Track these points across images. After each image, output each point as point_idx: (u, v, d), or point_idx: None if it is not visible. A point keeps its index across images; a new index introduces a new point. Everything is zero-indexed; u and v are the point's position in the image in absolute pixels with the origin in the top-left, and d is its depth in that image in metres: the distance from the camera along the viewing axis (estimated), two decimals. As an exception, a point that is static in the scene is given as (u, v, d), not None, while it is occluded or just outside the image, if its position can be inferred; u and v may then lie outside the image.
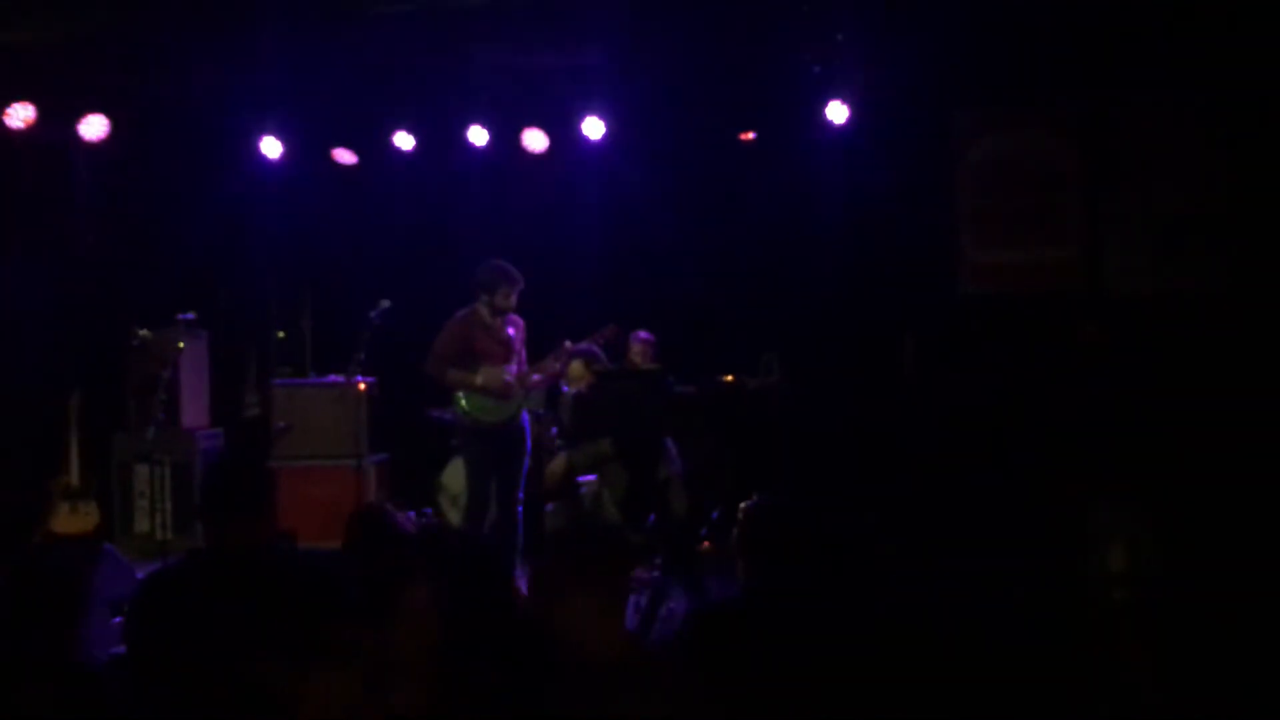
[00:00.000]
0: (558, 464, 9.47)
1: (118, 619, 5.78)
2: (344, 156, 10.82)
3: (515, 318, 8.93)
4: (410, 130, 10.45)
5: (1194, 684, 4.87)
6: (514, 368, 8.86)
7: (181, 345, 10.16)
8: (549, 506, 9.34)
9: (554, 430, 9.60)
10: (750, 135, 10.18)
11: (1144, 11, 8.15)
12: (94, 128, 10.00)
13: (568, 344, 9.09)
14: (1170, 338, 8.56)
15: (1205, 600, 5.83)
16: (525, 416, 9.02)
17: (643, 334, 9.69)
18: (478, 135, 10.29)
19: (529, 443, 9.01)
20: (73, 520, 9.13)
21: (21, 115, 9.67)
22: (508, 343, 8.86)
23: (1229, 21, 8.09)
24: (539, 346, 9.08)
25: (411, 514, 8.01)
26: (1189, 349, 8.35)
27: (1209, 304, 8.71)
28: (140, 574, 6.72)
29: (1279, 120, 8.40)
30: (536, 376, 9.02)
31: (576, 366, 9.32)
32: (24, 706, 3.12)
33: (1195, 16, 8.14)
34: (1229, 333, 8.38)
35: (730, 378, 8.63)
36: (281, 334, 11.16)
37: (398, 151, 10.54)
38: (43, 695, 3.18)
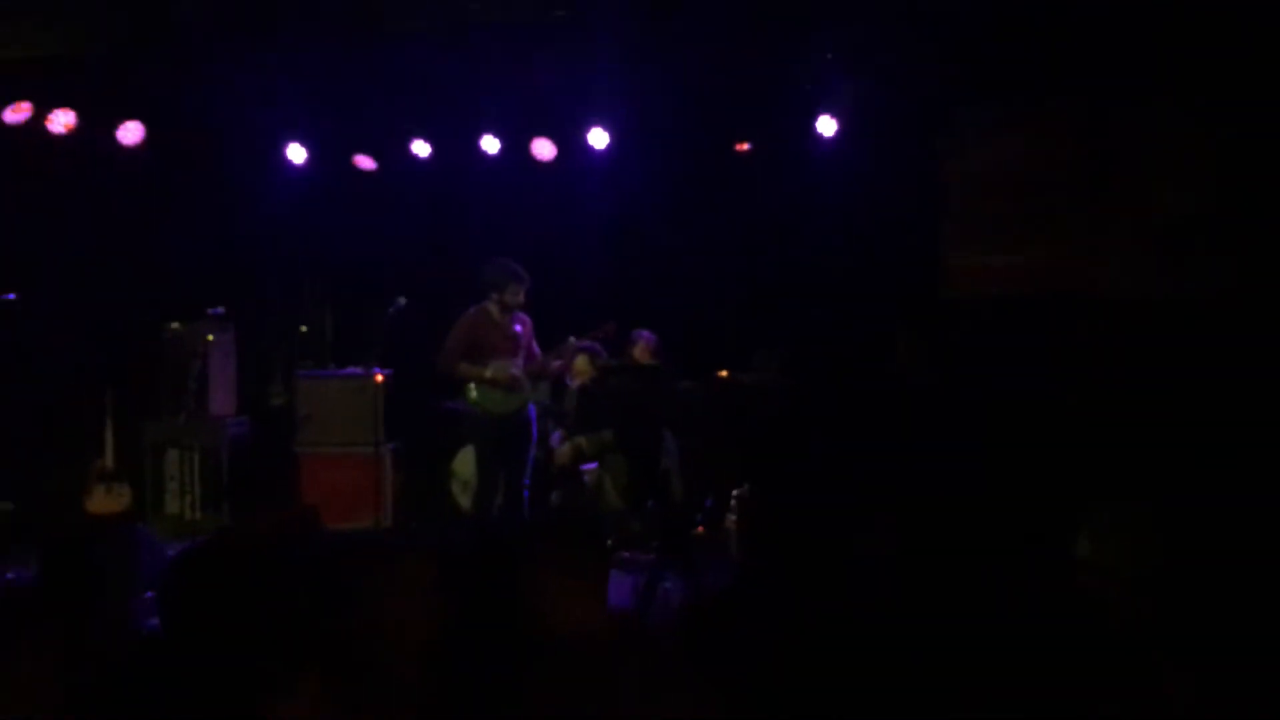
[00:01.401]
0: (566, 449, 9.46)
1: (149, 594, 5.77)
2: (364, 163, 10.81)
3: (522, 315, 8.94)
4: (426, 139, 10.44)
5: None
6: (521, 361, 8.88)
7: (211, 338, 10.19)
8: (554, 493, 9.32)
9: (555, 436, 9.55)
10: (746, 146, 10.17)
11: (1139, 13, 7.99)
12: (131, 134, 10.00)
13: (572, 340, 9.11)
14: (1165, 337, 8.38)
15: (1207, 601, 5.76)
16: (531, 408, 9.03)
17: (646, 334, 9.65)
18: (489, 144, 10.28)
19: (535, 432, 9.03)
20: (107, 501, 9.14)
21: (62, 121, 9.66)
22: (515, 338, 8.87)
23: (1224, 24, 7.86)
24: (545, 342, 9.09)
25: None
26: (1185, 348, 8.17)
27: (1207, 305, 8.44)
28: (170, 552, 6.71)
29: (1275, 122, 8.16)
30: (547, 368, 9.06)
31: (581, 362, 9.31)
32: (86, 671, 3.12)
33: (1191, 19, 7.93)
34: (1227, 332, 8.14)
35: (726, 373, 8.60)
36: (304, 328, 11.14)
37: (415, 158, 10.53)
38: (103, 660, 3.18)
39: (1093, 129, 8.99)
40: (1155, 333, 8.43)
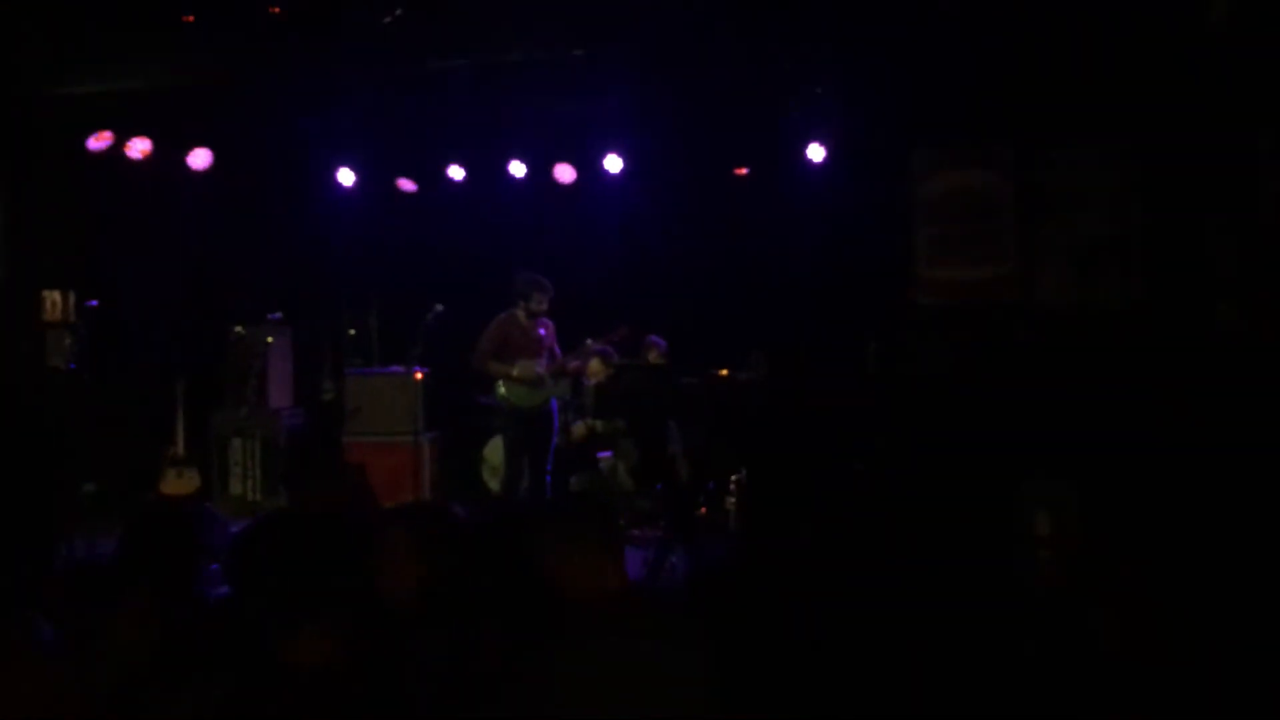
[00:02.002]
0: (580, 428, 9.48)
1: (214, 565, 5.78)
2: (406, 185, 10.82)
3: (546, 320, 8.97)
4: (461, 163, 10.45)
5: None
6: (545, 361, 8.90)
7: (270, 339, 10.22)
8: (573, 478, 9.33)
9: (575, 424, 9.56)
10: (743, 170, 10.18)
11: (1069, 71, 8.16)
12: (200, 159, 10.02)
13: (589, 342, 9.13)
14: (1088, 340, 8.60)
15: (1118, 557, 5.80)
16: (554, 403, 9.06)
17: (658, 340, 9.68)
18: (517, 168, 10.29)
19: (556, 424, 9.05)
20: (178, 483, 9.17)
21: (140, 148, 9.69)
22: (540, 340, 8.90)
23: (1138, 80, 8.11)
24: (567, 341, 9.12)
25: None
26: (1104, 349, 8.38)
27: (1121, 313, 8.74)
28: (234, 529, 6.72)
29: (1179, 160, 8.41)
30: (575, 363, 9.11)
31: (595, 364, 9.32)
32: (157, 634, 3.14)
33: (1111, 76, 8.16)
34: (1137, 336, 8.42)
35: (724, 372, 8.60)
36: (353, 331, 11.15)
37: (450, 181, 10.54)
38: (170, 624, 3.21)
39: (1024, 166, 9.14)
40: (1077, 335, 8.65)
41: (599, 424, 9.39)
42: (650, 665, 3.05)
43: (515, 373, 8.84)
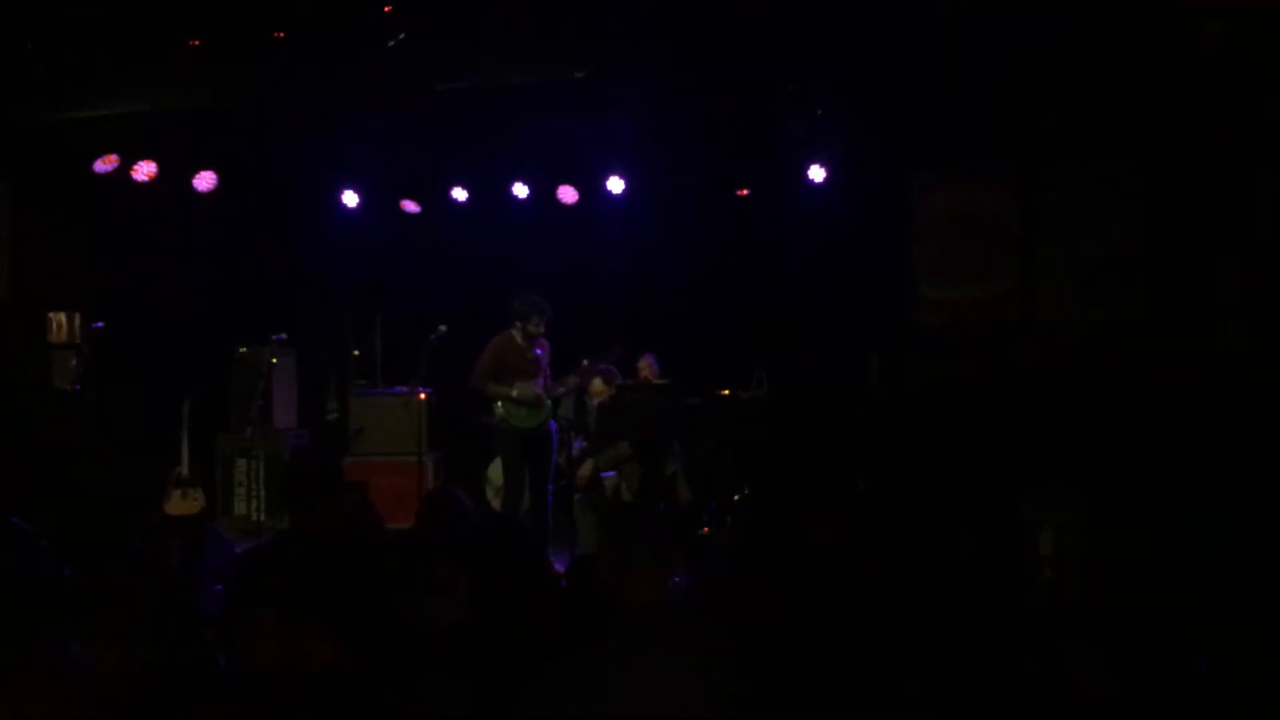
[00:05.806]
0: (586, 468, 9.46)
1: (219, 586, 5.76)
2: (410, 206, 10.85)
3: (542, 340, 9.00)
4: (464, 185, 10.48)
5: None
6: (541, 381, 8.94)
7: (275, 360, 10.23)
8: (577, 496, 9.31)
9: (577, 443, 9.53)
10: (745, 191, 10.20)
11: (1070, 92, 8.19)
12: (205, 181, 10.04)
13: (585, 363, 9.14)
14: (1089, 358, 8.60)
15: (1122, 573, 5.80)
16: (552, 423, 9.08)
17: (649, 356, 9.70)
18: (520, 189, 10.31)
19: (555, 443, 9.07)
20: (183, 504, 9.14)
21: (145, 170, 9.71)
22: (536, 361, 8.94)
23: (1138, 100, 8.14)
24: (568, 359, 9.13)
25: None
26: (1104, 368, 8.38)
27: (1121, 331, 8.75)
28: (238, 549, 6.71)
29: (1179, 181, 8.44)
30: (564, 388, 9.12)
31: (598, 383, 9.32)
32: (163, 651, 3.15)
33: (1111, 97, 8.18)
34: (1138, 354, 8.42)
35: (726, 391, 8.61)
36: (357, 352, 11.17)
37: (454, 202, 10.56)
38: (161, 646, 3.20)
39: (1024, 185, 9.15)
40: (1078, 353, 8.67)
41: (600, 461, 9.38)
42: (659, 676, 3.08)
43: (515, 394, 8.85)
